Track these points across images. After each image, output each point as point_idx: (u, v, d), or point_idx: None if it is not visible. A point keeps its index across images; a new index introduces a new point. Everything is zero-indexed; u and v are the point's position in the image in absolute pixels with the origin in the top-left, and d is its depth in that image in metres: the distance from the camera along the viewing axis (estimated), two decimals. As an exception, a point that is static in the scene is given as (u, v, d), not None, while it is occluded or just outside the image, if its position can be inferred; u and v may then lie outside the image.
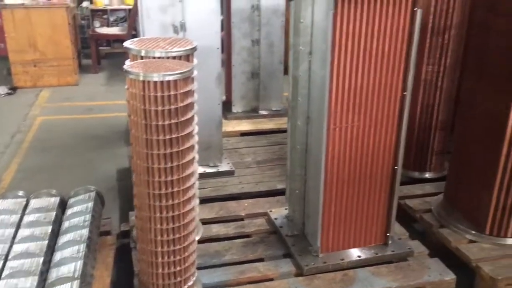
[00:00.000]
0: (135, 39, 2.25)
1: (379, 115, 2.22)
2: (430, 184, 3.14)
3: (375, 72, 2.14)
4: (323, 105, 2.11)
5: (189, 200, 1.98)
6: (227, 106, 4.26)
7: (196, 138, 2.33)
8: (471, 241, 2.53)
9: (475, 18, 2.56)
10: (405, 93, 2.19)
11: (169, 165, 1.85)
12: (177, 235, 1.96)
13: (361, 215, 2.39)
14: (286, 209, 2.70)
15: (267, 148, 3.67)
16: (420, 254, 2.46)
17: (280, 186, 3.04)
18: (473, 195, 2.57)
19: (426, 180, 3.23)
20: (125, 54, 2.24)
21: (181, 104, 1.82)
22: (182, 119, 1.84)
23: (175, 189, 1.90)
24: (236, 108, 4.23)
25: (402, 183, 3.05)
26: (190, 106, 1.90)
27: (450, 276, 2.30)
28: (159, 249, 1.96)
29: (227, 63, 4.25)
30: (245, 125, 4.05)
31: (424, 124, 3.18)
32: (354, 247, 2.43)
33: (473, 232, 2.56)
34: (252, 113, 4.23)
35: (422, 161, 3.27)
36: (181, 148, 1.87)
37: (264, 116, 4.20)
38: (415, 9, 2.06)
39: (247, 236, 2.62)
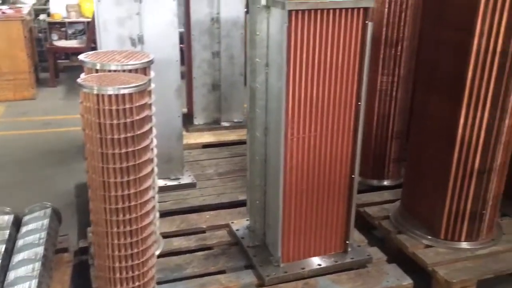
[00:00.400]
0: (90, 52, 2.23)
1: (335, 125, 2.26)
2: (388, 191, 3.21)
3: (330, 83, 2.19)
4: (280, 116, 2.15)
5: (147, 213, 1.96)
6: (188, 118, 4.26)
7: (155, 151, 2.33)
8: (427, 246, 2.60)
9: (425, 30, 2.66)
10: (359, 103, 2.25)
11: (125, 179, 1.83)
12: (135, 250, 1.93)
13: (320, 224, 2.42)
14: (247, 220, 2.71)
15: (229, 160, 3.68)
16: (379, 261, 2.51)
17: (242, 197, 3.04)
18: (428, 201, 2.65)
19: (385, 187, 3.31)
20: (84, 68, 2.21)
21: (137, 117, 1.81)
22: (139, 132, 1.83)
23: (132, 203, 1.88)
24: (198, 120, 4.22)
25: (361, 191, 3.14)
26: (146, 119, 1.89)
27: (407, 281, 2.35)
28: (117, 264, 1.93)
29: (187, 76, 4.25)
30: (207, 137, 4.05)
31: (381, 133, 3.26)
32: (314, 255, 2.46)
33: (429, 237, 2.63)
34: (214, 125, 4.24)
35: (380, 169, 3.35)
36: (137, 162, 1.85)
37: (226, 128, 4.22)
38: (366, 22, 2.13)
39: (209, 248, 2.61)
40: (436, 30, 2.47)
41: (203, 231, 2.74)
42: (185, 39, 4.22)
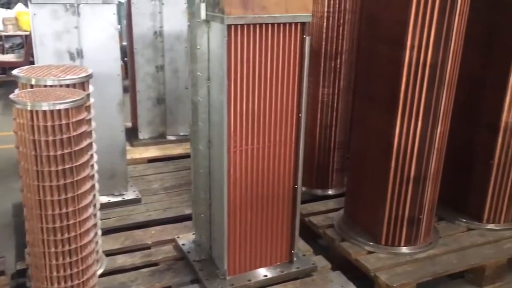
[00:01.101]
0: (24, 67, 2.16)
1: (277, 137, 2.30)
2: (332, 200, 3.29)
3: (271, 96, 2.23)
4: (223, 129, 2.16)
5: (87, 231, 1.91)
6: (133, 132, 4.19)
7: (95, 167, 2.28)
8: (369, 252, 2.68)
9: (362, 44, 2.77)
10: (300, 114, 2.30)
11: (63, 196, 1.78)
12: (75, 270, 1.87)
13: (265, 235, 2.44)
14: (193, 234, 2.69)
15: (175, 174, 3.65)
16: (324, 268, 2.56)
17: (188, 211, 3.02)
18: (369, 209, 2.74)
19: (329, 196, 3.38)
20: (19, 83, 2.14)
21: (75, 133, 1.77)
22: (76, 148, 1.79)
23: (71, 222, 1.83)
24: (143, 134, 4.17)
25: (306, 201, 3.20)
26: (85, 135, 1.85)
27: None
28: (56, 286, 1.86)
29: (131, 89, 4.20)
30: (152, 151, 4.00)
31: (324, 144, 3.34)
32: (260, 267, 2.47)
33: (371, 243, 2.71)
34: (159, 138, 4.19)
35: (324, 179, 3.43)
36: (76, 179, 1.80)
37: (171, 142, 4.18)
38: (304, 36, 2.19)
39: (155, 264, 2.57)
40: (372, 44, 2.58)
41: (149, 247, 2.70)
42: (128, 52, 4.17)
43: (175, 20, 4.01)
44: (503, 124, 2.80)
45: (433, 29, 2.32)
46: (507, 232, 2.94)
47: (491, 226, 2.97)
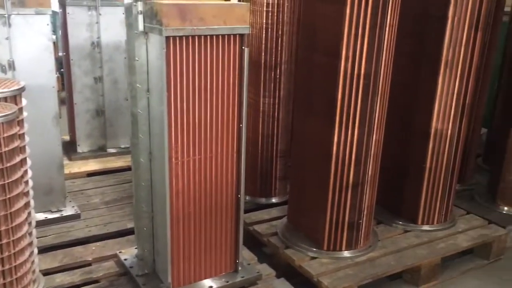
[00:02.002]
0: (-50, 80, 2.05)
1: (219, 147, 2.31)
2: (276, 208, 3.33)
3: (212, 106, 2.24)
4: (164, 140, 2.14)
5: (22, 251, 1.83)
6: (71, 146, 4.06)
7: (30, 183, 2.19)
8: (312, 258, 2.73)
9: (300, 55, 2.85)
10: (241, 125, 2.33)
11: (-6, 215, 1.70)
12: (9, 292, 1.79)
13: (210, 246, 2.43)
14: (136, 248, 2.63)
15: (116, 187, 3.56)
16: (268, 276, 2.59)
17: (130, 225, 2.96)
18: (311, 215, 2.80)
19: (273, 205, 3.42)
20: None
21: (6, 149, 1.70)
22: (8, 164, 1.71)
23: (4, 241, 1.75)
24: (82, 147, 4.05)
25: (251, 210, 3.23)
26: (17, 150, 1.78)
27: (295, 294, 2.46)
28: (-12, 310, 1.77)
29: (68, 102, 4.07)
30: (92, 165, 3.89)
31: (266, 153, 3.39)
32: (205, 278, 2.46)
33: (314, 249, 2.77)
34: (99, 152, 4.09)
35: (267, 188, 3.47)
36: (8, 196, 1.73)
37: (112, 154, 4.09)
38: (243, 47, 2.22)
39: (95, 281, 2.49)
40: (309, 55, 2.66)
41: (89, 264, 2.61)
42: (64, 64, 4.05)
43: (113, 31, 3.94)
44: (433, 131, 2.96)
45: (366, 41, 2.43)
46: (440, 233, 3.10)
47: (425, 227, 3.13)
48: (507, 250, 3.24)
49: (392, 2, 2.45)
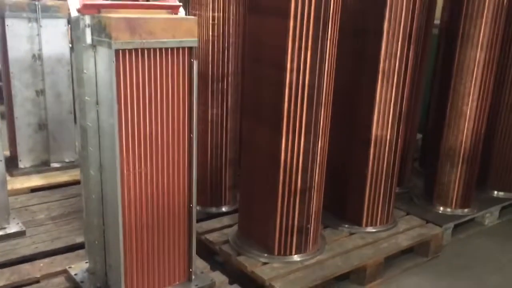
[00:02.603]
0: None
1: (170, 157, 2.35)
2: (227, 217, 3.38)
3: (162, 117, 2.27)
4: (115, 152, 2.15)
5: (-32, 270, 1.77)
6: (12, 161, 3.93)
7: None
8: (264, 263, 2.81)
9: (247, 67, 2.93)
10: (191, 135, 2.38)
11: None
12: (-44, 312, 1.73)
13: (163, 256, 2.45)
14: (86, 262, 2.60)
15: (62, 202, 3.48)
16: (222, 284, 2.63)
17: (79, 239, 2.91)
18: (261, 222, 2.88)
19: (223, 213, 3.47)
20: None
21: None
22: (-46, 181, 1.67)
23: (-50, 260, 1.69)
24: (24, 163, 3.92)
25: (201, 219, 3.27)
26: (-37, 166, 1.73)
27: (248, 299, 2.52)
28: None
29: (8, 116, 3.93)
30: (35, 180, 3.78)
31: (215, 163, 3.45)
32: (159, 288, 2.47)
33: (265, 255, 2.85)
34: (42, 166, 3.97)
35: (217, 197, 3.52)
36: (-46, 213, 1.68)
37: (56, 169, 3.99)
38: (192, 60, 2.28)
39: (45, 299, 2.44)
40: (256, 67, 2.75)
41: (37, 281, 2.55)
42: (3, 77, 3.92)
43: (55, 43, 3.86)
44: (373, 137, 3.13)
45: (309, 53, 2.56)
46: (383, 234, 3.27)
47: (369, 229, 3.29)
48: (444, 247, 3.47)
49: (333, 17, 2.59)
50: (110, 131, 2.16)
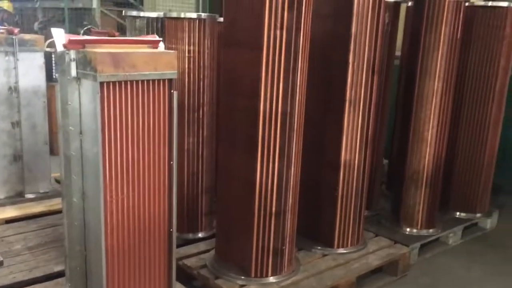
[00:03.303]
0: None
1: (151, 184, 2.45)
2: (203, 243, 3.47)
3: (144, 146, 2.38)
4: (98, 180, 2.24)
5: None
6: (-14, 193, 3.92)
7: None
8: (241, 286, 2.90)
9: (223, 97, 3.08)
10: (171, 162, 2.49)
11: None
12: None
13: (144, 281, 2.51)
14: (67, 290, 2.63)
15: (38, 232, 3.50)
16: (201, 306, 2.71)
17: (57, 268, 2.94)
18: (238, 245, 2.98)
19: (200, 239, 3.55)
20: None
21: None
22: None
23: None
24: (-2, 194, 3.92)
25: (179, 245, 3.32)
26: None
27: (228, 320, 2.60)
28: None
29: (-17, 148, 3.95)
30: (10, 212, 3.78)
31: (192, 190, 3.55)
32: (140, 313, 2.53)
33: (242, 277, 2.94)
34: (17, 197, 3.98)
35: (194, 223, 3.61)
36: None
37: (31, 200, 4.00)
38: (172, 91, 2.42)
39: (25, 327, 2.46)
40: (231, 97, 2.90)
41: (17, 311, 2.57)
42: (-21, 109, 3.95)
43: (32, 75, 3.93)
44: (342, 162, 3.31)
45: (281, 83, 2.73)
46: (354, 254, 3.42)
47: (341, 250, 3.43)
48: (411, 266, 3.64)
49: (303, 49, 2.79)
50: (94, 160, 2.26)
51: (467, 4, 3.79)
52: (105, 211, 2.28)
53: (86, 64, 2.19)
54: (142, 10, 8.75)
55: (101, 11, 8.63)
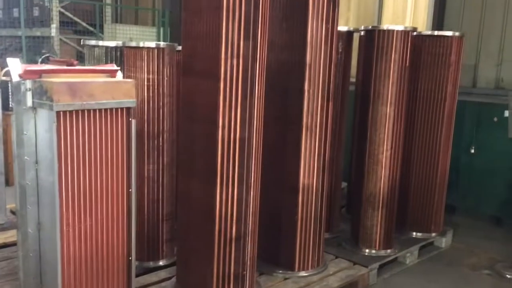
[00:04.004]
0: None
1: (109, 212, 2.44)
2: (164, 270, 3.44)
3: (102, 174, 2.39)
4: (55, 210, 2.23)
5: None
6: None
7: None
8: (203, 313, 2.89)
9: (182, 124, 3.12)
10: (130, 190, 2.50)
11: None
12: None
13: (102, 311, 2.48)
14: (22, 324, 2.56)
15: (-10, 267, 3.39)
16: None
17: (12, 302, 2.86)
18: (199, 272, 2.98)
19: (161, 267, 3.52)
20: None
21: None
22: None
23: None
24: (-51, 227, 3.78)
25: (139, 274, 3.30)
26: None
27: None
28: None
29: None
30: (-38, 245, 3.65)
31: (152, 217, 3.53)
32: None
33: (203, 304, 2.94)
34: (-31, 230, 3.85)
35: (155, 251, 3.57)
36: None
37: (-15, 232, 3.87)
38: (130, 119, 2.44)
39: None
40: (190, 124, 2.95)
41: None
42: None
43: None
44: (301, 186, 3.39)
45: (239, 111, 2.80)
46: (315, 277, 3.47)
47: (302, 273, 3.48)
48: (371, 287, 3.72)
49: (259, 78, 2.87)
50: (50, 189, 2.24)
51: (415, 33, 4.01)
52: (62, 241, 2.26)
53: (43, 93, 2.20)
54: (102, 39, 8.75)
55: (61, 39, 8.58)
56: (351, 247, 4.05)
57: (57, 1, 8.70)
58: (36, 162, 2.33)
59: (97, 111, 2.31)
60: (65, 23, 8.93)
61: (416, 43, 4.08)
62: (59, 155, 2.21)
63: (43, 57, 6.31)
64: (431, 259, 4.32)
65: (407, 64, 3.81)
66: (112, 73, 2.51)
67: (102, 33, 8.98)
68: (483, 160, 5.21)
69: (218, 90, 2.75)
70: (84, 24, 9.24)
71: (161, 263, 3.58)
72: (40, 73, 2.26)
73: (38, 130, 2.30)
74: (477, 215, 5.33)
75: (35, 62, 6.95)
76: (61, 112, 2.18)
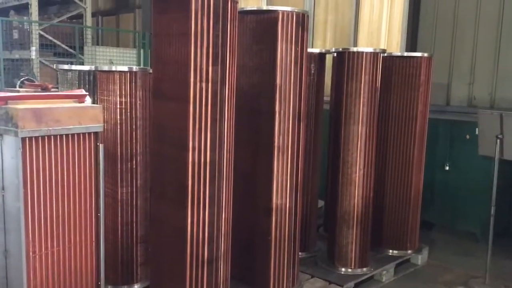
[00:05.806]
0: None
1: (77, 237, 2.44)
2: (139, 294, 3.42)
3: (69, 199, 2.39)
4: (20, 236, 2.22)
5: None
6: None
7: None
8: (175, 337, 2.87)
9: (153, 147, 3.14)
10: (98, 214, 2.50)
11: None
12: None
13: (71, 338, 2.46)
14: None
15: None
16: None
17: (-20, 331, 2.81)
18: (171, 295, 2.98)
19: (136, 291, 3.51)
20: None
21: None
22: None
23: None
24: None
25: (112, 299, 3.27)
26: None
27: None
28: None
29: None
30: None
31: (126, 240, 3.51)
32: None
33: (176, 328, 2.92)
34: None
35: (129, 274, 3.55)
36: None
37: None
38: (98, 144, 2.46)
39: None
40: (161, 147, 2.97)
41: None
42: None
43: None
44: (274, 206, 3.42)
45: (209, 133, 2.83)
46: (290, 297, 3.48)
47: (277, 293, 3.48)
48: (347, 306, 3.73)
49: (229, 100, 2.92)
50: (16, 215, 2.24)
51: (385, 54, 4.11)
52: (28, 267, 2.25)
53: (8, 120, 2.21)
54: (83, 61, 8.77)
55: (40, 62, 8.58)
56: (327, 266, 4.06)
57: (37, 24, 8.73)
58: (3, 188, 2.32)
59: (64, 136, 2.33)
60: (45, 46, 8.94)
61: (386, 64, 4.19)
62: (25, 181, 2.21)
63: (20, 80, 6.30)
64: (407, 277, 4.35)
65: (377, 84, 3.90)
66: (80, 98, 2.53)
67: (83, 55, 9.00)
68: (458, 177, 5.31)
69: (187, 113, 2.78)
70: (64, 46, 9.26)
71: (135, 286, 3.55)
72: (6, 99, 2.28)
73: (4, 156, 2.31)
74: (453, 231, 5.40)
75: (14, 85, 6.94)
76: (27, 138, 2.20)
